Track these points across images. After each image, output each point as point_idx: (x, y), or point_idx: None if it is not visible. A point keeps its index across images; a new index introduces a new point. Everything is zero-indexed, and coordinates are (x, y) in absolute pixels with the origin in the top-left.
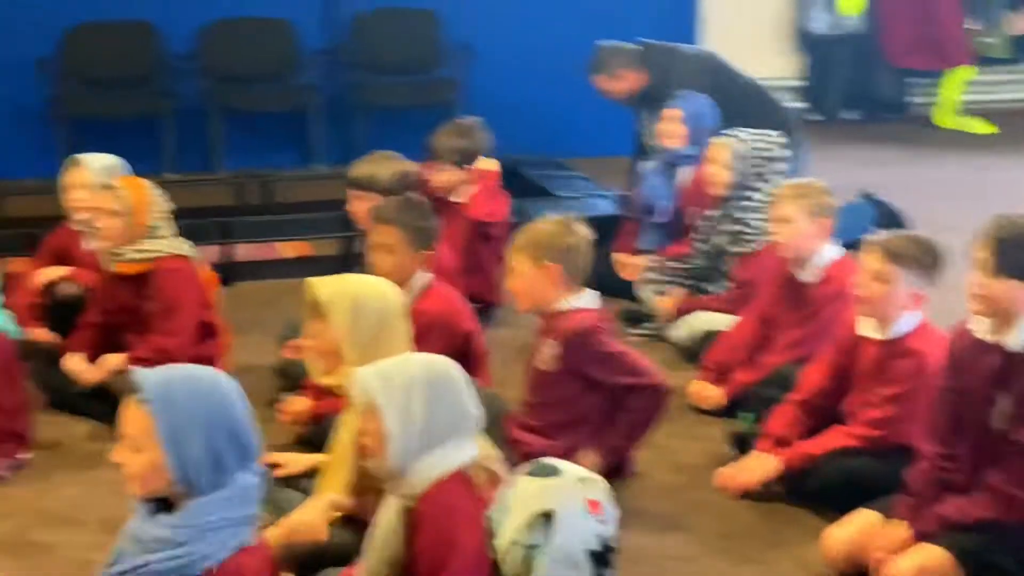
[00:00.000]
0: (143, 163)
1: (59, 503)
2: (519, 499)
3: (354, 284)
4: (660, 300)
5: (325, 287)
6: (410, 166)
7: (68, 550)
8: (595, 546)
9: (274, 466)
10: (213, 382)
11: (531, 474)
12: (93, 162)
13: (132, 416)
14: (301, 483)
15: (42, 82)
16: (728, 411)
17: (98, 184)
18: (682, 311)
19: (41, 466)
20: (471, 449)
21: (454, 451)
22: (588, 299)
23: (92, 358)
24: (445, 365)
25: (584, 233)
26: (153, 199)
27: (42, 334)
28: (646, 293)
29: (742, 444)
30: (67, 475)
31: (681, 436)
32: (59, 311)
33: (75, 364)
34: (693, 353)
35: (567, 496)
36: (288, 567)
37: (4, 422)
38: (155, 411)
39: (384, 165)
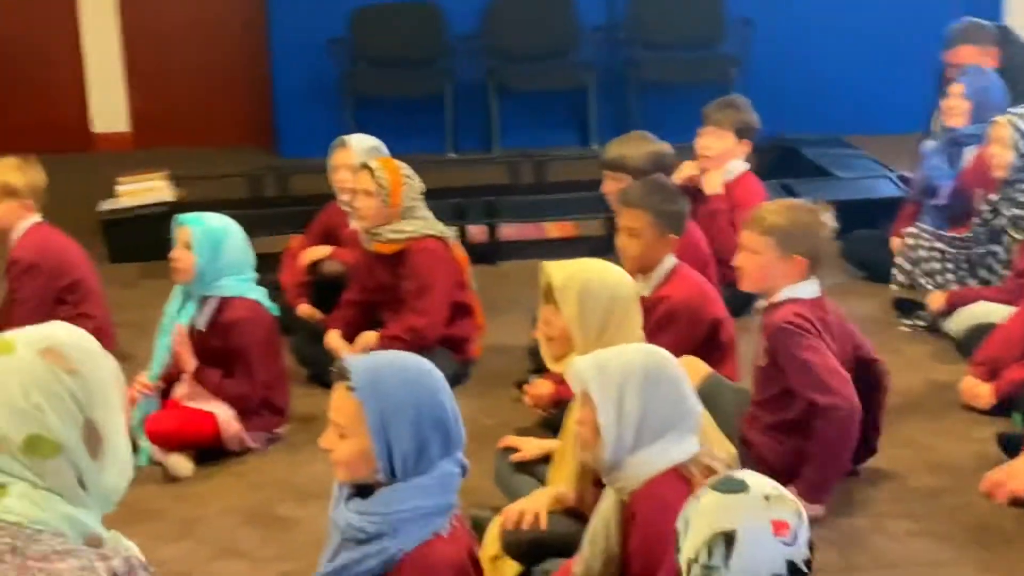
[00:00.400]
0: (426, 142)
1: (307, 478)
2: (700, 515)
3: (586, 270)
4: (932, 294)
5: (558, 272)
6: (664, 147)
7: (311, 525)
8: (781, 570)
9: (511, 450)
10: (421, 371)
11: (716, 488)
12: (358, 143)
13: (341, 403)
14: (537, 469)
15: (332, 62)
16: (1001, 410)
17: (357, 165)
18: (956, 302)
19: (295, 440)
20: (690, 445)
21: (671, 447)
22: (807, 288)
23: (351, 335)
24: (664, 357)
25: (831, 223)
26: (408, 180)
27: (307, 310)
28: (918, 280)
29: (1012, 447)
30: (318, 450)
31: (946, 436)
32: (323, 288)
33: (334, 340)
34: (966, 347)
35: (750, 515)
36: (511, 553)
37: (264, 395)
38: (364, 398)
39: (636, 146)
